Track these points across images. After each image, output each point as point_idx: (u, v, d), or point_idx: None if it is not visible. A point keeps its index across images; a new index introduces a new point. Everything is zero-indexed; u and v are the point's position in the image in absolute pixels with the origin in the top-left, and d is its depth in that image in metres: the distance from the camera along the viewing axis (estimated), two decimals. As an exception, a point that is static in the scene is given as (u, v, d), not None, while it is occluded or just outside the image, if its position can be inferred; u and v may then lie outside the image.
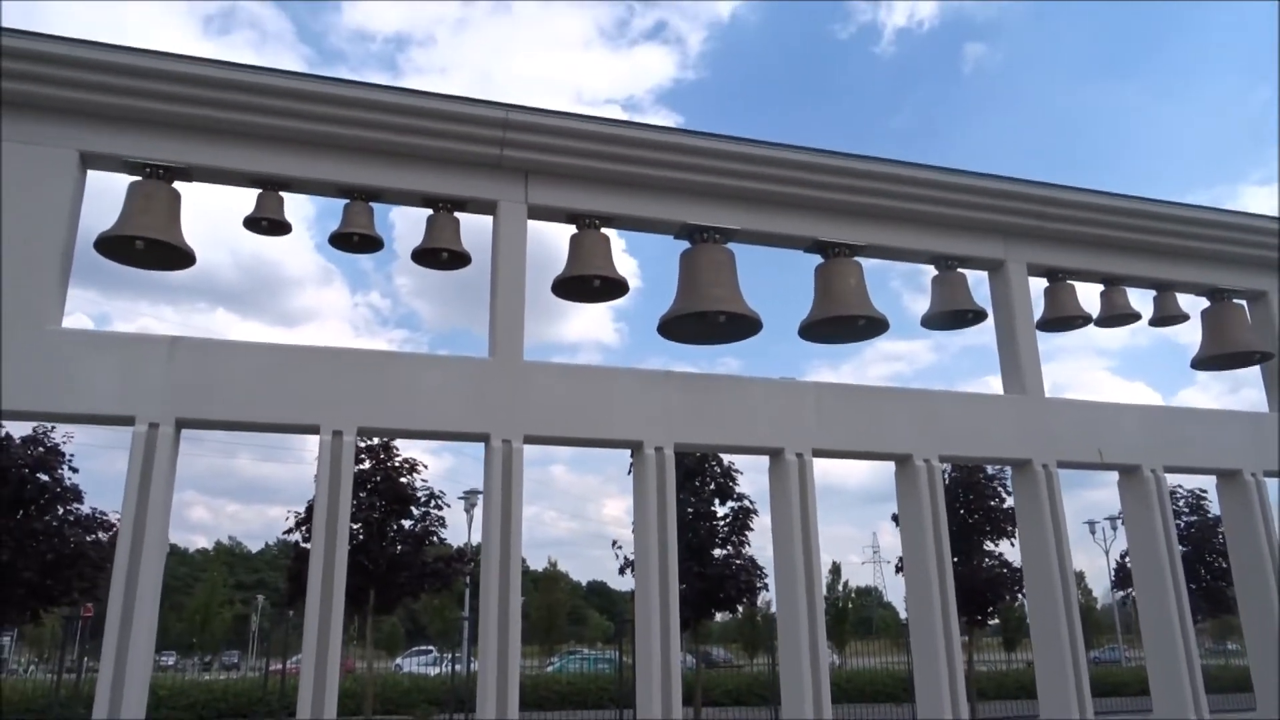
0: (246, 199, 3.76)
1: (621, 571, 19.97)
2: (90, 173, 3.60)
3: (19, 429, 17.09)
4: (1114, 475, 4.68)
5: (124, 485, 3.25)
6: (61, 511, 16.84)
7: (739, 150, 4.06)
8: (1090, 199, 4.59)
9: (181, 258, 3.70)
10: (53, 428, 17.09)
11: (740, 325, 4.12)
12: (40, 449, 16.77)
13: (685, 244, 4.21)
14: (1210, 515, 24.82)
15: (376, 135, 3.71)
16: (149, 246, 3.56)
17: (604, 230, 4.09)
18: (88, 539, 16.80)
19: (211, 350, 3.47)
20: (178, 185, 3.66)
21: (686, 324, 4.12)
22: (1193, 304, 5.05)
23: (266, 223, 3.74)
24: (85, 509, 17.19)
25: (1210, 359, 4.95)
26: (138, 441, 3.28)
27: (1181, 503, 25.36)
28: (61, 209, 3.41)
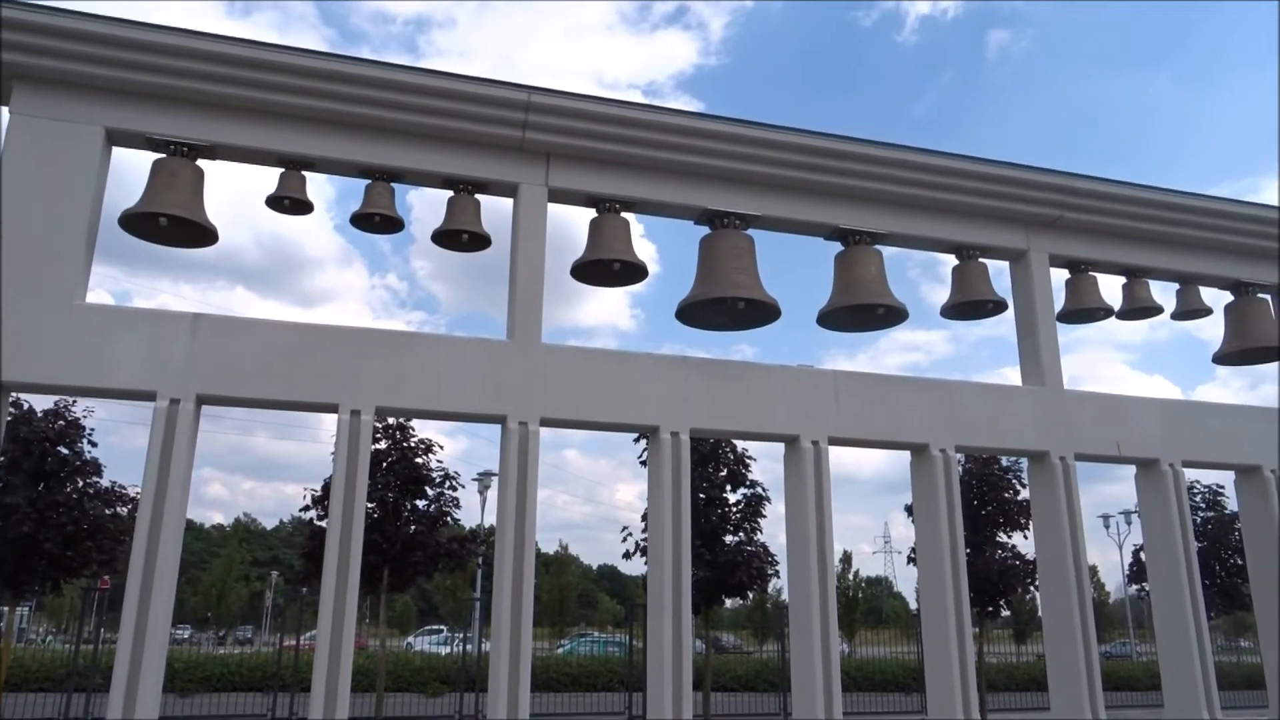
0: (268, 179, 3.78)
1: (627, 556, 19.97)
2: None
3: (40, 402, 17.30)
4: (1130, 469, 4.66)
5: (144, 460, 3.28)
6: (81, 484, 17.02)
7: (760, 136, 4.04)
8: (1114, 190, 4.54)
9: (204, 235, 3.73)
10: (74, 402, 17.26)
11: (759, 311, 4.11)
12: (61, 422, 16.94)
13: (705, 229, 4.20)
14: (1227, 511, 24.62)
15: (399, 116, 3.72)
16: (172, 223, 3.59)
17: (624, 214, 4.08)
18: (107, 512, 16.98)
19: (233, 328, 3.49)
20: (201, 163, 3.68)
21: (705, 309, 4.12)
22: (1216, 298, 5.00)
23: (289, 201, 3.76)
24: (105, 482, 17.38)
25: (1232, 353, 4.90)
26: (159, 416, 3.32)
27: (1198, 498, 25.16)
28: (87, 185, 3.44)
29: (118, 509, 17.20)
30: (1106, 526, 49.64)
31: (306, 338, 3.56)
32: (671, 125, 3.96)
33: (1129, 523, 46.75)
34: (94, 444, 17.50)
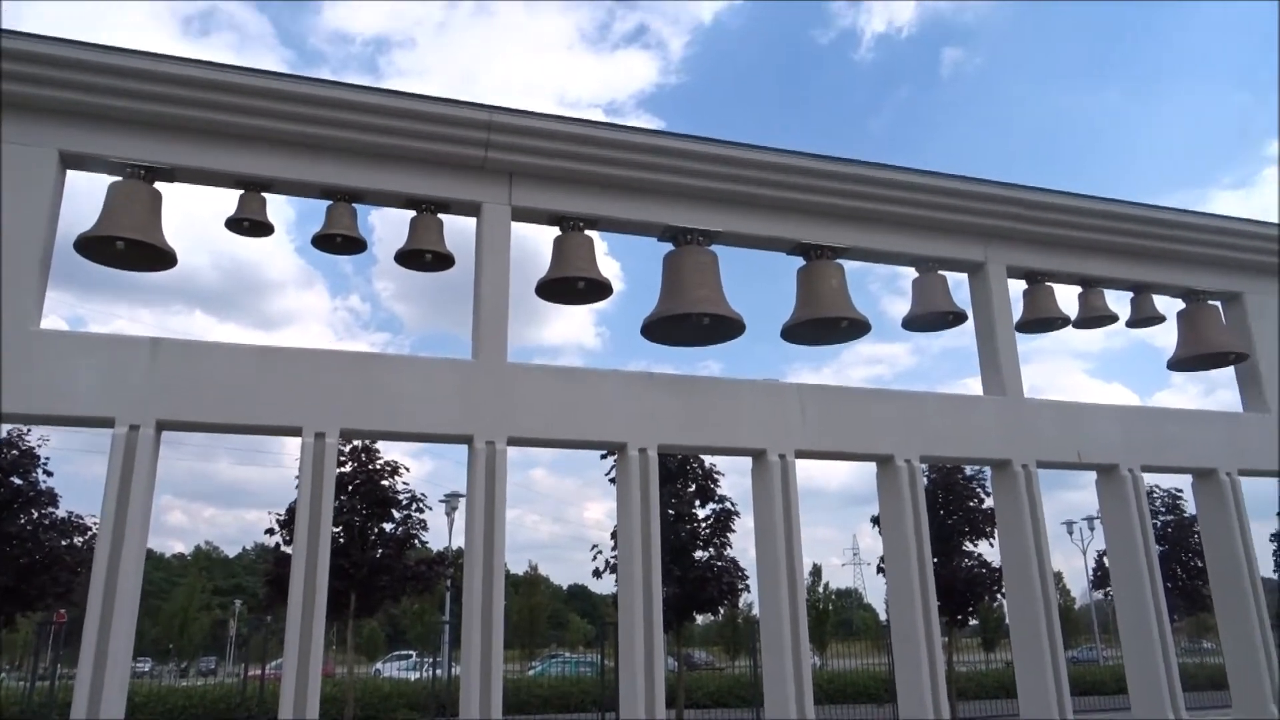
0: (226, 201, 3.74)
1: (597, 575, 19.90)
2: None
3: (-7, 432, 16.89)
4: (1092, 476, 4.73)
5: (103, 488, 3.21)
6: (36, 515, 16.64)
7: (722, 153, 4.07)
8: (1069, 201, 4.63)
9: (162, 258, 3.67)
10: (28, 430, 16.91)
11: (724, 327, 4.13)
12: (14, 452, 16.57)
13: (669, 246, 4.22)
14: (1186, 514, 25.11)
15: (360, 136, 3.70)
16: (130, 247, 3.53)
17: (588, 232, 4.09)
18: (63, 543, 16.61)
19: (193, 351, 3.44)
20: (159, 186, 3.63)
21: (670, 326, 4.13)
22: (1169, 306, 5.11)
23: (249, 223, 3.72)
24: (61, 513, 17.01)
25: (1186, 360, 5.01)
26: (118, 443, 3.25)
27: (1158, 502, 25.64)
28: (41, 209, 3.38)
29: (74, 540, 16.83)
30: (1070, 533, 50.37)
31: (268, 360, 3.51)
32: (634, 143, 3.98)
33: (1092, 528, 47.49)
34: (49, 473, 17.18)
